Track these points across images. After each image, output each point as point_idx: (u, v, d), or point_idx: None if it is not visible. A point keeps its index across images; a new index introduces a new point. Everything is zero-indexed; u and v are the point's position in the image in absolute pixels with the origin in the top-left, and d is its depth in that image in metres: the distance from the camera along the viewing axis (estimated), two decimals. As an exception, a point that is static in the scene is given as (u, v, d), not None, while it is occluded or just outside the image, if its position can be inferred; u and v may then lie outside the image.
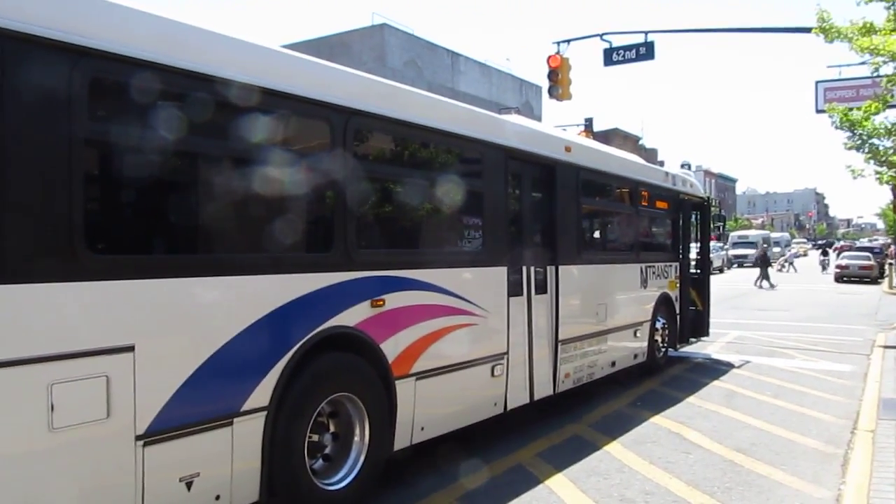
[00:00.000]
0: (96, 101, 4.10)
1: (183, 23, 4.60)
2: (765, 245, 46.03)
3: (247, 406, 4.75)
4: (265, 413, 4.87)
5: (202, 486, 4.47)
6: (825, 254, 52.89)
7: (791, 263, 52.73)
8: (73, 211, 3.88)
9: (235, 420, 4.68)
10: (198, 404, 4.46)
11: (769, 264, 36.34)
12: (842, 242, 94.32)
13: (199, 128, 4.61)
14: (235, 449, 4.68)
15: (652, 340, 11.43)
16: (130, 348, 4.07)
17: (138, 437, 4.11)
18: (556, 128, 13.81)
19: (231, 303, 4.75)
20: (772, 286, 34.15)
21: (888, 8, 8.21)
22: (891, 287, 33.15)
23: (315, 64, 5.76)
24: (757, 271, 36.64)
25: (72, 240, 3.87)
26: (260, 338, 4.88)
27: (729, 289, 32.01)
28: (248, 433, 4.76)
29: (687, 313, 13.04)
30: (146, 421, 4.14)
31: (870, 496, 5.67)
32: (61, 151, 3.83)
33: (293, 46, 8.66)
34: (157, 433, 4.19)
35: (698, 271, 13.96)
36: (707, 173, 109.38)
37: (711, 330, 14.20)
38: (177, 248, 4.74)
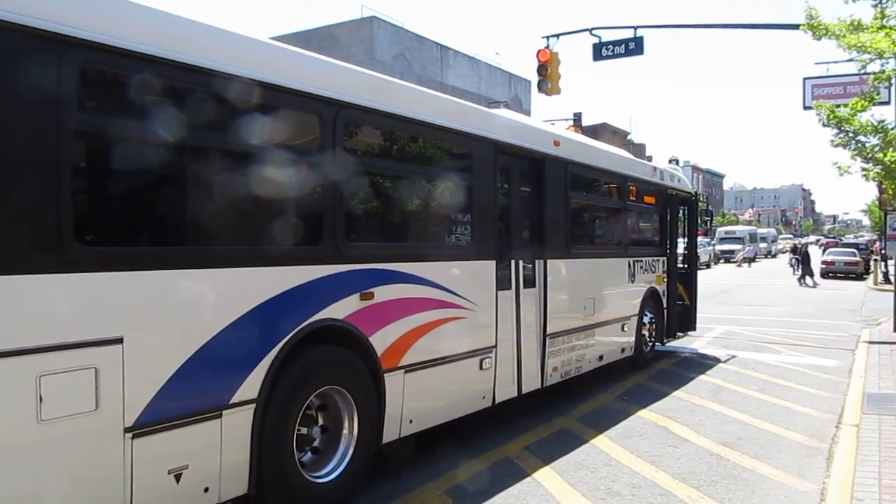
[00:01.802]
0: (84, 92, 4.09)
1: (170, 13, 4.56)
2: (805, 242, 45.69)
3: (235, 398, 4.75)
4: (254, 406, 4.87)
5: (191, 478, 4.47)
6: (796, 251, 43.57)
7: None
8: (62, 202, 3.86)
9: (224, 412, 4.68)
10: (187, 396, 4.45)
11: (810, 262, 35.25)
12: (825, 239, 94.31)
13: (188, 120, 4.58)
14: (224, 441, 4.68)
15: (639, 335, 11.49)
16: (119, 340, 4.06)
17: (127, 430, 4.10)
18: (545, 122, 13.82)
19: (220, 295, 4.74)
20: (814, 284, 33.38)
21: (875, 6, 8.26)
22: (876, 283, 33.36)
23: (304, 56, 5.74)
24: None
25: (60, 231, 3.85)
26: (249, 330, 4.88)
27: (716, 284, 32.15)
28: (236, 426, 4.76)
29: (674, 308, 13.11)
30: (135, 413, 4.13)
31: (854, 490, 5.72)
32: (50, 142, 3.81)
33: (282, 38, 8.63)
34: (145, 425, 4.19)
35: (685, 266, 14.03)
36: (695, 168, 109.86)
37: (698, 325, 14.28)
38: (166, 240, 4.73)
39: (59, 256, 3.85)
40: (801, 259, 35.28)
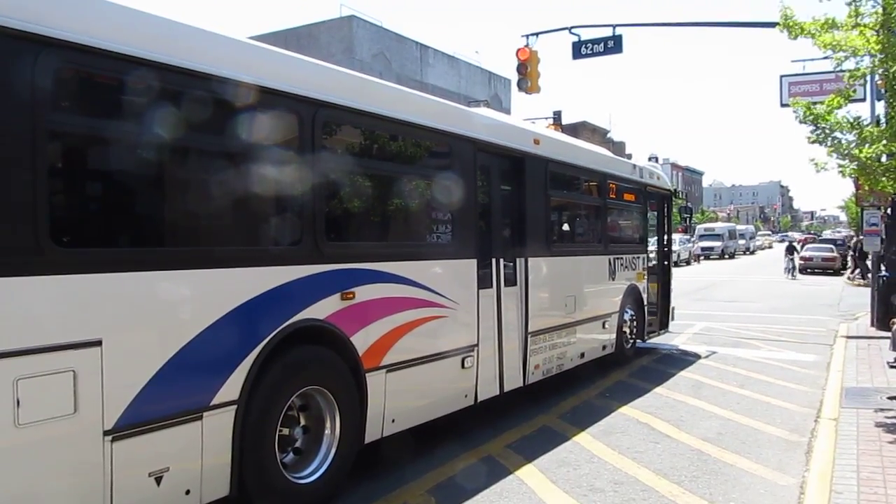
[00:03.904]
0: (60, 92, 4.05)
1: (146, 12, 4.52)
2: (860, 238, 43.60)
3: (216, 400, 4.72)
4: (235, 407, 4.84)
5: (172, 480, 4.44)
6: (791, 252, 38.44)
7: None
8: (38, 204, 3.81)
9: (205, 414, 4.65)
10: (167, 399, 4.42)
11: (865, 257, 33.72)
12: (801, 235, 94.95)
13: (166, 121, 4.53)
14: (205, 443, 4.65)
15: (620, 332, 11.53)
16: (98, 343, 4.02)
17: (106, 433, 4.06)
18: (525, 121, 13.85)
19: (200, 296, 4.71)
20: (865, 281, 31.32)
21: (849, 4, 8.34)
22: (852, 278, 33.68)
23: (283, 55, 5.73)
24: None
25: (37, 233, 3.81)
26: (229, 331, 4.85)
27: (696, 280, 32.36)
28: (217, 427, 4.73)
29: (657, 305, 13.21)
30: (114, 416, 4.10)
31: (832, 483, 5.77)
32: (25, 143, 3.76)
33: (261, 38, 8.59)
34: (125, 428, 4.15)
35: (665, 263, 14.11)
36: (674, 166, 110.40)
37: (679, 321, 14.38)
38: (144, 241, 4.69)
39: (36, 259, 3.80)
40: (857, 254, 32.88)
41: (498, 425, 7.92)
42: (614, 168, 11.79)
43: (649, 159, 60.36)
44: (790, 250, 38.56)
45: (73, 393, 3.89)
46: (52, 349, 3.82)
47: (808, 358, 12.53)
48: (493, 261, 8.06)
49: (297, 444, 5.61)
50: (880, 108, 13.98)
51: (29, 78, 3.79)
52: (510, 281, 8.38)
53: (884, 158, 9.03)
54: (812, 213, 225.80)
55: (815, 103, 9.16)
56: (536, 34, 19.29)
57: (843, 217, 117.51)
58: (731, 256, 61.06)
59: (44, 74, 3.86)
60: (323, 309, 5.61)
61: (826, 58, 9.49)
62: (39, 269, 3.82)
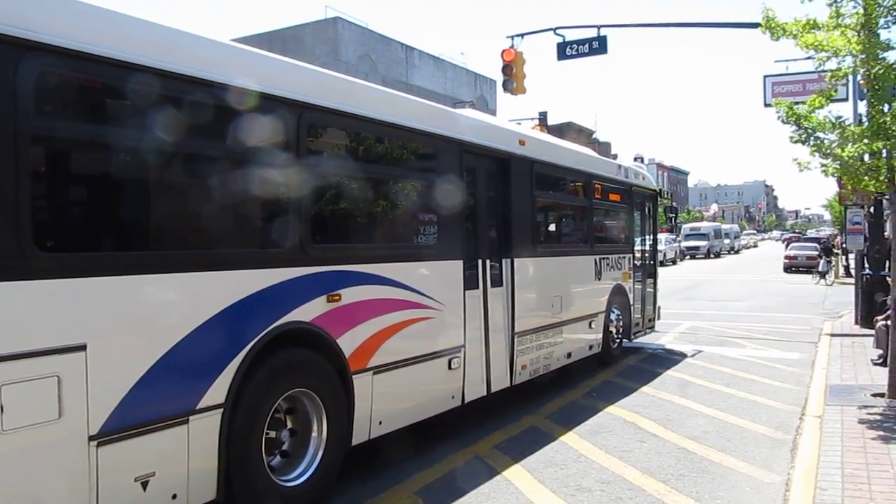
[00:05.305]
0: (43, 95, 4.02)
1: (126, 14, 4.49)
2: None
3: (202, 404, 4.71)
4: (221, 410, 4.83)
5: (158, 485, 4.42)
6: (829, 253, 33.50)
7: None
8: (21, 209, 3.79)
9: (191, 418, 4.63)
10: (152, 403, 4.40)
11: None
12: (786, 234, 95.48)
13: (149, 124, 4.52)
14: (191, 447, 4.63)
15: (607, 331, 11.57)
16: (82, 347, 4.00)
17: (91, 438, 4.04)
18: (511, 122, 13.88)
19: (185, 300, 4.69)
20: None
21: (830, 5, 8.39)
22: (837, 277, 33.88)
23: (267, 58, 5.72)
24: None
25: (20, 238, 3.78)
26: (215, 335, 4.83)
27: (682, 280, 32.50)
28: (204, 431, 4.71)
29: (644, 304, 13.27)
30: (99, 421, 4.08)
31: (817, 480, 5.81)
32: (6, 147, 3.74)
33: (244, 40, 8.57)
34: (110, 433, 4.13)
35: (651, 262, 14.18)
36: (660, 166, 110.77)
37: (665, 321, 14.44)
38: (129, 245, 4.67)
39: (18, 263, 3.78)
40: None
41: (485, 426, 7.93)
42: (600, 168, 11.83)
43: (635, 159, 60.65)
44: (827, 251, 33.46)
45: (58, 398, 3.87)
46: (36, 354, 3.79)
47: (793, 356, 12.61)
48: (480, 262, 8.07)
49: (285, 447, 5.60)
50: (862, 107, 14.09)
51: (11, 81, 3.77)
52: (496, 282, 8.39)
53: (866, 157, 9.09)
54: (797, 212, 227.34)
55: (797, 103, 9.21)
56: (521, 35, 19.31)
57: (827, 216, 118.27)
58: (717, 256, 61.43)
59: (26, 78, 3.84)
60: (309, 311, 5.60)
61: (809, 58, 9.55)
62: (22, 273, 3.80)
